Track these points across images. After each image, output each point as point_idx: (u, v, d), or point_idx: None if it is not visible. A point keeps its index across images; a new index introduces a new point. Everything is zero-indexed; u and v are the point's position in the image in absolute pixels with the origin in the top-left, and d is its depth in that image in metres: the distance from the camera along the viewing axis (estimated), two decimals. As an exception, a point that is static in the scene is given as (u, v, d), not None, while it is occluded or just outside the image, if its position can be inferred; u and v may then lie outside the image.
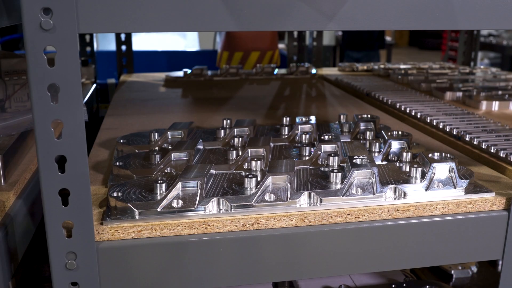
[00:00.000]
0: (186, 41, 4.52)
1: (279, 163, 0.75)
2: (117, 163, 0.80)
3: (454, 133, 1.03)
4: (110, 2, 0.56)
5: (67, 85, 0.57)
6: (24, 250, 0.77)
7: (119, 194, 0.68)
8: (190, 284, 0.66)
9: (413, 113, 1.20)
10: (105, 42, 4.03)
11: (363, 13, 0.62)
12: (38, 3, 0.54)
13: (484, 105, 1.29)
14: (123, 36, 1.91)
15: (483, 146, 0.93)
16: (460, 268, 1.17)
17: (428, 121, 1.13)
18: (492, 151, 0.91)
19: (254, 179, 0.70)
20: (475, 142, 0.96)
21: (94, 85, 1.74)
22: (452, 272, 1.12)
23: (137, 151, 0.89)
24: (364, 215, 0.69)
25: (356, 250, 0.69)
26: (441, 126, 1.08)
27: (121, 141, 0.93)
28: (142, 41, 4.27)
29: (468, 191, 0.73)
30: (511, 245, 0.74)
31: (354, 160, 0.76)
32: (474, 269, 1.13)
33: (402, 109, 1.26)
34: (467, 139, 0.98)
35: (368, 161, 0.76)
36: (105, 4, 0.56)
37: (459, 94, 1.41)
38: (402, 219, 0.70)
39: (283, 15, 0.60)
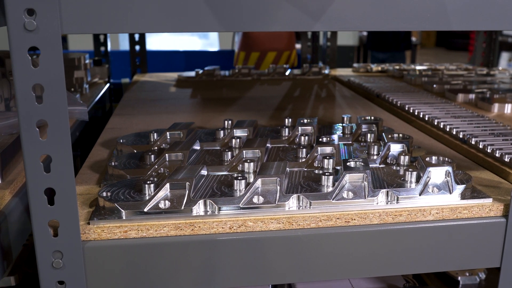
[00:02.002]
0: (208, 41, 4.54)
1: (270, 165, 0.74)
2: (112, 163, 0.80)
3: (460, 136, 1.00)
4: (93, 3, 0.56)
5: (52, 85, 0.57)
6: (20, 248, 0.78)
7: (108, 194, 0.68)
8: (176, 285, 0.66)
9: (421, 115, 1.18)
10: (127, 42, 4.08)
11: (351, 14, 0.60)
12: (21, 4, 0.54)
13: (496, 107, 1.26)
14: (136, 36, 1.92)
15: (488, 150, 0.91)
16: (467, 274, 1.14)
17: (435, 123, 1.10)
18: (496, 155, 0.88)
19: (243, 181, 0.70)
20: (480, 146, 0.93)
21: (108, 85, 1.76)
22: (459, 278, 1.09)
23: (135, 151, 0.89)
24: (354, 219, 0.68)
25: (346, 254, 0.68)
26: (447, 129, 1.05)
27: (121, 141, 0.93)
28: (162, 41, 4.31)
29: (464, 196, 0.71)
30: (509, 252, 0.71)
31: (348, 163, 0.75)
32: (482, 275, 1.10)
33: (411, 111, 1.23)
34: (472, 142, 0.96)
35: (363, 164, 0.75)
36: (88, 5, 0.56)
37: (472, 96, 1.37)
38: (394, 224, 0.69)
39: (268, 16, 0.59)
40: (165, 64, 3.30)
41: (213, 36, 4.53)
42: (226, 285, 0.67)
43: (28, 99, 0.57)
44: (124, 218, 0.65)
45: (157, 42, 4.37)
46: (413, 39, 5.78)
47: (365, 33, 6.36)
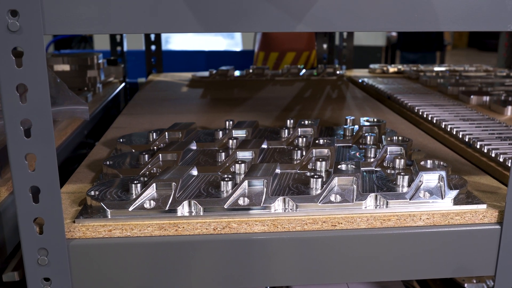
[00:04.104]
0: (234, 41, 4.55)
1: (259, 167, 0.74)
2: (107, 162, 0.81)
3: (466, 139, 0.98)
4: (74, 5, 0.56)
5: (35, 84, 0.58)
6: (16, 245, 0.80)
7: (96, 193, 0.69)
8: (160, 285, 0.66)
9: (429, 118, 1.15)
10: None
11: (335, 14, 0.59)
12: (5, 5, 0.55)
13: (509, 110, 1.22)
14: (152, 36, 1.94)
15: (492, 154, 0.88)
16: (474, 281, 1.11)
17: (443, 126, 1.08)
18: (500, 159, 0.86)
19: (230, 182, 0.70)
20: (484, 150, 0.91)
21: (123, 84, 1.78)
22: (466, 285, 1.07)
23: (133, 151, 0.90)
24: (341, 223, 0.67)
25: (332, 259, 0.67)
26: (454, 132, 1.03)
27: (121, 140, 0.94)
28: (187, 41, 4.34)
29: (457, 201, 0.69)
30: (504, 260, 0.69)
31: (339, 166, 0.74)
32: (490, 283, 1.07)
33: (420, 113, 1.21)
34: (477, 146, 0.93)
35: (354, 167, 0.74)
36: (69, 7, 0.56)
37: (486, 98, 1.34)
38: (383, 229, 0.67)
39: (250, 16, 0.59)
40: (187, 64, 3.33)
41: (238, 36, 4.53)
42: (210, 286, 0.67)
43: (13, 98, 0.58)
44: (109, 217, 0.65)
45: (181, 41, 4.40)
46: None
47: (394, 33, 6.26)
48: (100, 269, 0.65)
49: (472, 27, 0.60)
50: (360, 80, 1.73)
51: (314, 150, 0.83)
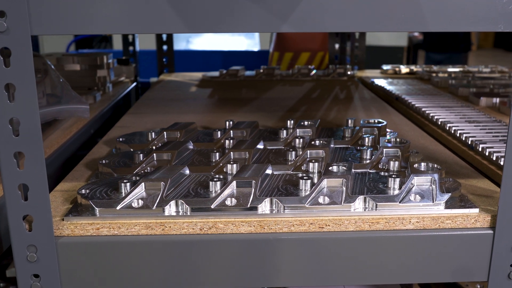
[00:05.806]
0: (254, 41, 4.54)
1: (249, 167, 0.73)
2: (103, 161, 0.82)
3: (469, 142, 0.96)
4: (60, 6, 0.57)
5: (23, 84, 0.59)
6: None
7: (86, 191, 0.70)
8: (146, 284, 0.67)
9: (434, 120, 1.14)
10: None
11: (321, 14, 0.59)
12: (-8, 6, 0.56)
13: (518, 112, 1.19)
14: (164, 36, 1.95)
15: (493, 158, 0.86)
16: (478, 286, 1.10)
17: (447, 128, 1.06)
18: (500, 163, 0.84)
19: (219, 183, 0.70)
20: (485, 153, 0.89)
21: (134, 84, 1.80)
22: (469, 290, 1.05)
23: (131, 150, 0.91)
24: (328, 225, 0.66)
25: (319, 261, 0.67)
26: (457, 134, 1.01)
27: (120, 139, 0.95)
28: (207, 41, 4.35)
29: (448, 205, 0.68)
30: (497, 266, 0.68)
31: (330, 168, 0.73)
32: None
33: (425, 114, 1.19)
34: (479, 149, 0.91)
35: (345, 168, 0.73)
36: (55, 8, 0.57)
37: (496, 100, 1.31)
38: (371, 232, 0.67)
39: (234, 17, 0.59)
40: (204, 64, 3.33)
41: (257, 36, 4.52)
42: (196, 286, 0.67)
43: (1, 97, 0.59)
44: (97, 215, 0.66)
45: (203, 41, 4.41)
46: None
47: (416, 34, 6.16)
48: (88, 266, 0.66)
49: (462, 27, 0.59)
50: (370, 81, 1.71)
51: (308, 151, 0.82)
